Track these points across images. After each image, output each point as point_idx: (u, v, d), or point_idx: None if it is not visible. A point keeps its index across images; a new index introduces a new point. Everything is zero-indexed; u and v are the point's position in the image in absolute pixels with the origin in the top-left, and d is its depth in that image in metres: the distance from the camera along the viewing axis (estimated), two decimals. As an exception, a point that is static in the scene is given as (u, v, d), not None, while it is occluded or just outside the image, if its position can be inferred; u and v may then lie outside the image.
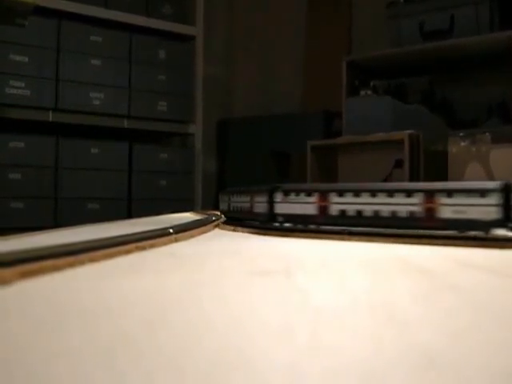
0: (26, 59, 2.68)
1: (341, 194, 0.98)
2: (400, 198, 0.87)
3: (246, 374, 0.26)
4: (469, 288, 0.53)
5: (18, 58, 2.66)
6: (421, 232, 0.98)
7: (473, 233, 0.93)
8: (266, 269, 0.66)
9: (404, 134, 2.97)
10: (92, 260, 0.64)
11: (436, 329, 0.36)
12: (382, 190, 0.92)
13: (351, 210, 0.97)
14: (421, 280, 0.58)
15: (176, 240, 0.96)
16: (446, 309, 0.43)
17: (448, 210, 0.75)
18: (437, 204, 0.75)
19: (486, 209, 0.76)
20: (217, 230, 1.35)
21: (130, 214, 2.97)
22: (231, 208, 1.26)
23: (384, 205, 0.90)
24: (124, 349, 0.31)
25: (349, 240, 1.05)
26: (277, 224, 1.19)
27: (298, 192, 1.04)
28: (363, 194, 0.94)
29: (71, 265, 0.60)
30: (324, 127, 3.54)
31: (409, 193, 0.87)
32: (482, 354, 0.30)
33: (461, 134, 2.91)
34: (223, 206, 1.33)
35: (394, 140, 3.04)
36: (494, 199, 0.78)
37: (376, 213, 0.92)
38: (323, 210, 0.99)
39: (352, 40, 3.92)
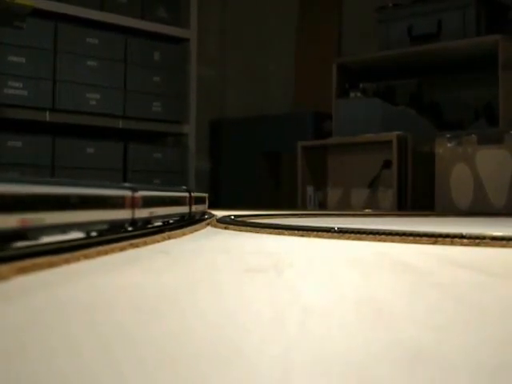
0: (24, 60, 2.70)
1: None
2: None
3: (239, 365, 0.28)
4: (452, 285, 0.57)
5: (15, 59, 2.68)
6: (407, 231, 1.01)
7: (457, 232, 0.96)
8: (257, 266, 0.69)
9: (392, 135, 3.02)
10: (87, 257, 0.67)
11: (421, 323, 0.38)
12: None
13: None
14: (406, 277, 0.62)
15: (169, 238, 1.00)
16: (431, 304, 0.46)
17: None
18: None
19: None
20: (209, 228, 1.38)
21: (124, 212, 2.99)
22: None
23: None
24: (119, 342, 0.33)
25: (337, 238, 1.08)
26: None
27: None
28: None
29: (67, 261, 0.63)
30: (314, 128, 3.57)
31: None
32: (466, 347, 0.32)
33: (448, 136, 2.95)
34: None
35: (382, 141, 3.08)
36: None
37: None
38: None
39: (342, 43, 3.96)
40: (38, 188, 0.60)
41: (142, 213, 0.93)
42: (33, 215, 0.58)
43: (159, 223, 1.11)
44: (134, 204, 0.89)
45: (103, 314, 0.41)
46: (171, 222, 1.19)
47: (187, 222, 1.25)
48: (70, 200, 0.68)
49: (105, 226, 0.82)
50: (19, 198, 0.56)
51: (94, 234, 0.80)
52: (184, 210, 1.24)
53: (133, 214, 0.89)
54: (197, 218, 1.37)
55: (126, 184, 0.94)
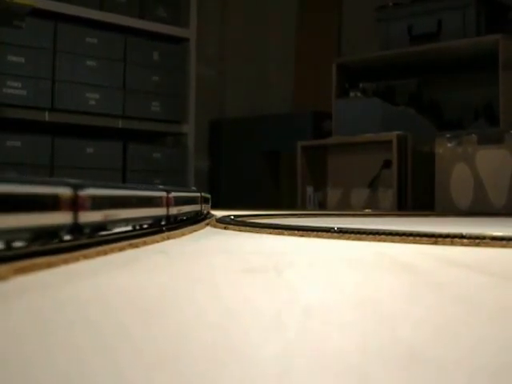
0: (23, 60, 2.70)
1: None
2: None
3: (238, 365, 0.28)
4: (452, 285, 0.57)
5: (15, 58, 2.68)
6: (407, 231, 1.01)
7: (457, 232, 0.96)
8: (256, 266, 0.69)
9: (392, 135, 3.01)
10: (86, 257, 0.67)
11: (420, 324, 0.38)
12: None
13: None
14: (406, 277, 0.62)
15: (168, 238, 1.00)
16: (431, 305, 0.46)
17: None
18: None
19: None
20: (209, 228, 1.38)
21: (124, 212, 2.99)
22: None
23: None
24: (118, 342, 0.33)
25: (337, 238, 1.08)
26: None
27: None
28: None
29: (65, 262, 0.63)
30: (314, 128, 3.56)
31: None
32: (464, 348, 0.32)
33: (448, 136, 2.95)
34: None
35: (382, 141, 3.08)
36: None
37: None
38: None
39: (342, 42, 3.95)
40: (114, 191, 0.83)
41: (174, 210, 1.14)
42: (111, 212, 0.79)
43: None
44: (168, 203, 1.10)
45: (101, 314, 0.41)
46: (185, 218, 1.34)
47: (187, 223, 1.26)
48: (132, 200, 0.90)
49: (150, 221, 1.03)
50: (103, 199, 0.77)
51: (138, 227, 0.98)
52: (198, 208, 1.45)
53: (168, 211, 1.10)
54: (205, 215, 1.56)
55: (161, 186, 1.13)
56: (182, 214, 1.25)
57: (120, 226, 0.87)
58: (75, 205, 0.68)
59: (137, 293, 0.50)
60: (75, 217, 0.68)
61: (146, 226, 1.00)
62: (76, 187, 0.68)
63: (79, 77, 2.86)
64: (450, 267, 0.71)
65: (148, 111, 3.09)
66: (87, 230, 0.73)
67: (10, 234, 0.58)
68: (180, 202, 1.20)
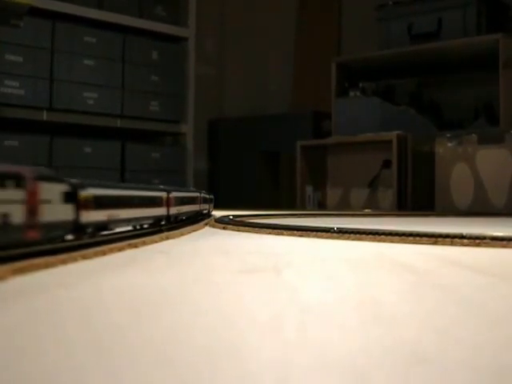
0: (21, 59, 2.69)
1: None
2: None
3: (235, 367, 0.28)
4: (453, 286, 0.56)
5: (12, 57, 2.67)
6: (407, 231, 1.01)
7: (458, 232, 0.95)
8: (255, 266, 0.69)
9: (392, 135, 3.01)
10: (84, 257, 0.67)
11: (422, 325, 0.38)
12: None
13: None
14: (406, 278, 0.61)
15: (167, 238, 0.99)
16: (431, 306, 0.45)
17: None
18: None
19: None
20: (207, 228, 1.38)
21: (122, 212, 2.98)
22: None
23: None
24: (115, 343, 0.33)
25: (337, 238, 1.08)
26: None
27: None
28: None
29: (64, 262, 0.62)
30: (313, 128, 3.56)
31: None
32: (467, 349, 0.32)
33: (448, 135, 2.94)
34: None
35: (382, 140, 3.07)
36: None
37: None
38: None
39: (341, 42, 3.94)
40: (183, 193, 1.23)
41: (202, 207, 1.53)
42: (180, 207, 1.19)
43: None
44: (201, 201, 1.49)
45: (99, 314, 0.41)
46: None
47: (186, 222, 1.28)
48: (189, 199, 1.30)
49: (193, 214, 1.41)
50: (179, 199, 1.16)
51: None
52: (208, 207, 1.75)
53: (200, 207, 1.49)
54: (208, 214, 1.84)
55: (192, 188, 1.52)
56: (204, 209, 1.63)
57: (182, 217, 1.25)
58: (168, 203, 1.07)
59: (133, 294, 0.49)
60: (168, 210, 1.08)
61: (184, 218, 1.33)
62: (168, 191, 1.08)
63: (77, 76, 2.85)
64: (450, 268, 0.71)
65: (147, 111, 3.09)
66: (172, 219, 1.13)
67: (142, 220, 0.97)
68: (205, 201, 1.59)
